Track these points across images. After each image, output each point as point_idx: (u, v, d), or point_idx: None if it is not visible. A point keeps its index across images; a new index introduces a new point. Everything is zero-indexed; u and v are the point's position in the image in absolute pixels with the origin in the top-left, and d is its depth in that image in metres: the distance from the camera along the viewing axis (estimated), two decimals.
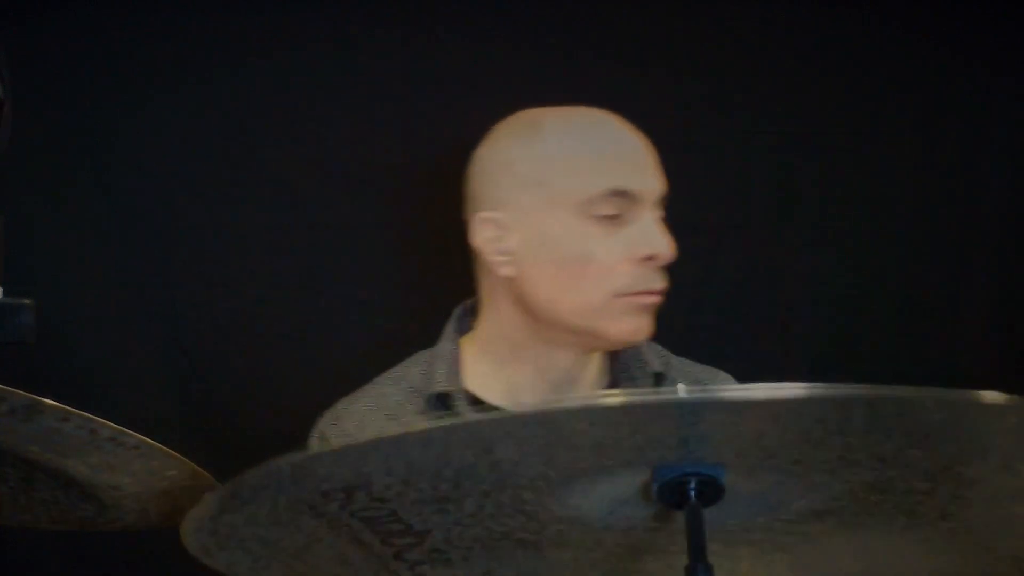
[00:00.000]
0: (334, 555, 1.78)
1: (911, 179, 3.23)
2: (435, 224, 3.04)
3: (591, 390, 2.51)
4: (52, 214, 2.91)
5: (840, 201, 3.21)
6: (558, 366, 2.48)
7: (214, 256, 3.00)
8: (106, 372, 2.92)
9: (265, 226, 3.01)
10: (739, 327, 3.12)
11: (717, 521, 1.73)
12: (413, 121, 3.04)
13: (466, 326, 2.55)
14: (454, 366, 2.48)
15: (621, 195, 2.40)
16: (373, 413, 2.48)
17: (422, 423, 1.68)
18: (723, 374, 2.63)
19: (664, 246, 2.41)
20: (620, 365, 2.52)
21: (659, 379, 2.52)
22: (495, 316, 2.49)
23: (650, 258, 2.41)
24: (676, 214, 2.52)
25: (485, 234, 2.46)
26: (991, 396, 1.55)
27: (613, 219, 2.40)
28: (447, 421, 1.65)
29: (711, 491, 1.70)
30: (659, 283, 2.43)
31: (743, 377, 2.66)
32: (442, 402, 2.47)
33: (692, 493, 1.69)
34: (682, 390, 1.84)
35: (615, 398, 1.58)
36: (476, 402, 2.47)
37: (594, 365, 2.52)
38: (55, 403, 1.67)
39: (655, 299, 2.43)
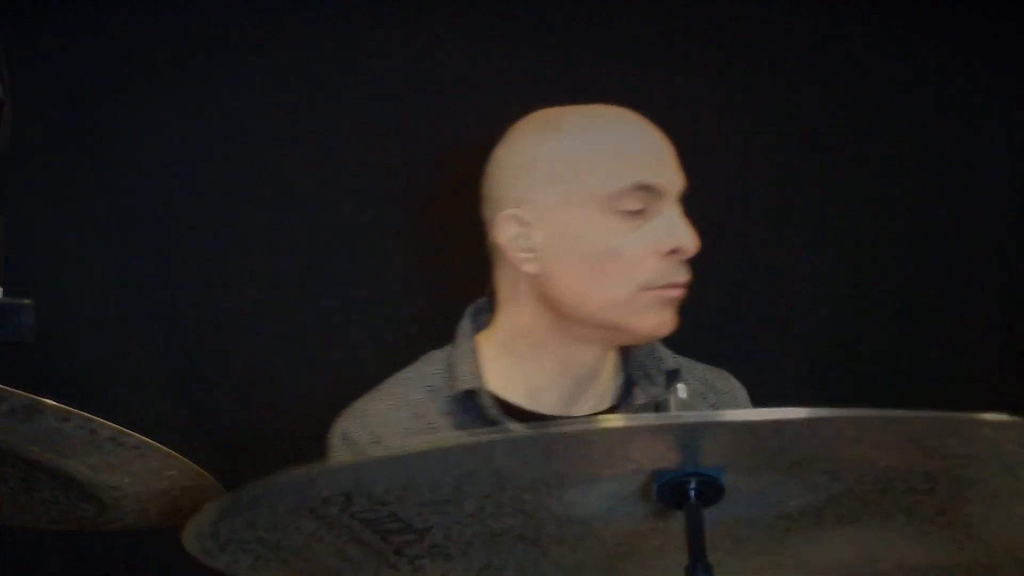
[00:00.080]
0: (334, 552, 1.78)
1: (911, 179, 3.23)
2: (435, 224, 3.05)
3: (608, 388, 2.51)
4: (52, 214, 2.91)
5: (840, 201, 3.21)
6: (581, 362, 2.48)
7: (214, 256, 3.00)
8: (106, 372, 2.92)
9: (265, 226, 3.01)
10: (739, 327, 3.12)
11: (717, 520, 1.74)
12: (413, 121, 3.04)
13: (481, 324, 2.55)
14: (476, 364, 2.47)
15: (645, 189, 2.41)
16: (397, 412, 2.47)
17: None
18: (725, 373, 2.63)
19: (689, 239, 2.42)
20: (635, 362, 2.53)
21: (673, 376, 2.53)
22: (516, 314, 2.49)
23: (675, 251, 2.42)
24: None
25: (508, 232, 2.46)
26: (994, 418, 1.56)
27: (637, 214, 2.41)
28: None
29: (711, 491, 1.70)
30: (683, 276, 2.44)
31: (743, 377, 2.66)
32: (470, 400, 2.45)
33: (692, 493, 1.69)
34: (681, 390, 1.85)
35: (616, 421, 1.59)
36: (497, 402, 2.47)
37: (611, 362, 2.52)
38: (55, 403, 1.67)
39: (680, 292, 2.44)
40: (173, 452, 1.79)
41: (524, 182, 2.46)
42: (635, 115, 2.49)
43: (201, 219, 2.99)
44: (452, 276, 3.04)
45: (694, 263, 2.47)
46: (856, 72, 3.20)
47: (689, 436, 1.63)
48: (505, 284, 2.51)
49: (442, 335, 2.77)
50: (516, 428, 1.64)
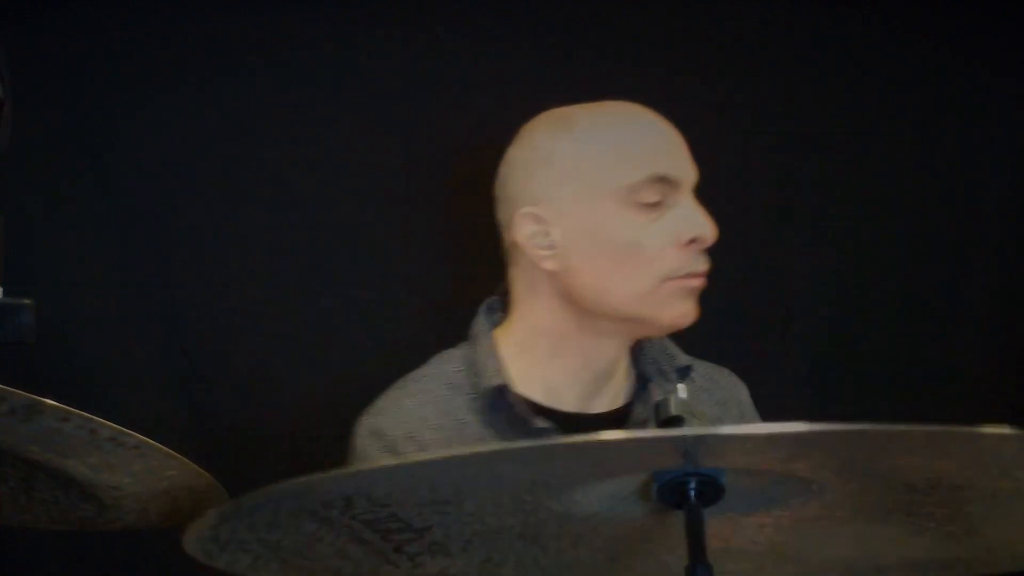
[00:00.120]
0: (334, 551, 1.78)
1: (911, 179, 3.23)
2: (436, 224, 3.05)
3: (622, 385, 2.51)
4: (52, 214, 2.91)
5: (840, 201, 3.21)
6: (601, 358, 2.48)
7: (214, 256, 3.00)
8: (106, 372, 2.91)
9: (265, 226, 3.01)
10: (739, 327, 3.12)
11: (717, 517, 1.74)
12: (413, 121, 3.04)
13: (495, 322, 2.55)
14: (499, 361, 2.47)
15: (662, 181, 2.42)
16: (424, 408, 2.46)
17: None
18: (727, 371, 2.63)
19: (707, 228, 2.43)
20: (647, 359, 2.53)
21: (685, 372, 2.53)
22: (534, 312, 2.49)
23: (694, 240, 2.42)
24: None
25: (526, 230, 2.46)
26: (993, 430, 1.56)
27: (655, 206, 2.42)
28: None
29: (711, 491, 1.70)
30: (703, 265, 2.44)
31: (743, 377, 2.66)
32: (498, 397, 2.45)
33: (692, 493, 1.69)
34: (681, 391, 1.85)
35: (618, 435, 1.60)
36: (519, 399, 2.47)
37: (625, 359, 2.53)
38: (55, 403, 1.67)
39: (701, 282, 2.44)
40: (173, 452, 1.79)
41: (540, 180, 2.46)
42: (646, 109, 2.50)
43: (201, 219, 2.99)
44: (452, 276, 3.04)
45: None
46: (856, 72, 3.20)
47: (690, 444, 1.63)
48: (522, 283, 2.50)
49: (442, 335, 2.77)
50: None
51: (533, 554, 1.84)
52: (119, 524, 1.94)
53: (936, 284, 3.23)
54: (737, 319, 3.13)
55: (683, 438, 1.65)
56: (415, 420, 2.45)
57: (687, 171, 2.46)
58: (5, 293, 1.78)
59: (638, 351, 2.54)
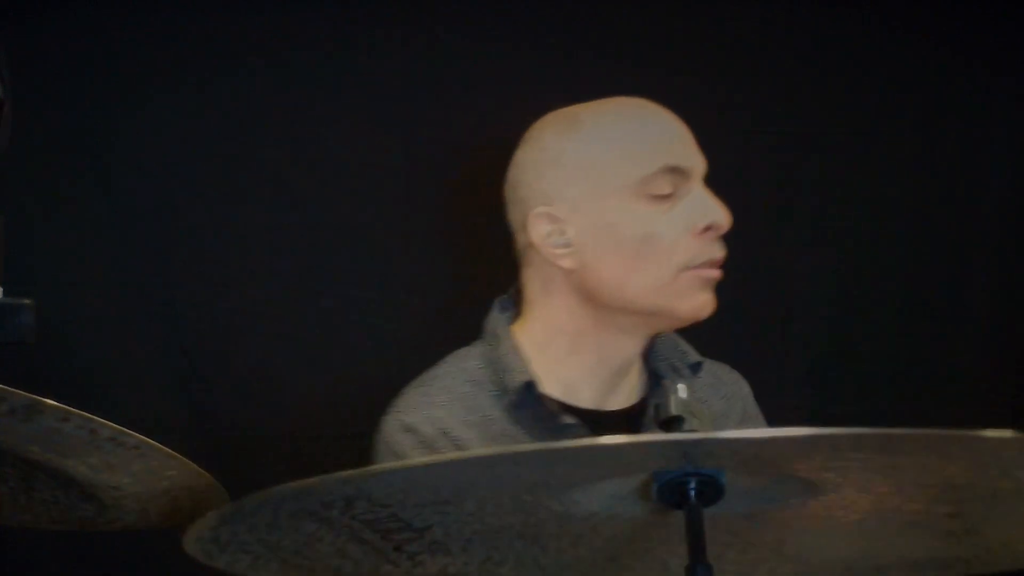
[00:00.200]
0: (334, 551, 1.78)
1: (911, 179, 3.23)
2: (436, 224, 3.05)
3: (636, 382, 2.51)
4: (52, 214, 2.90)
5: (840, 201, 3.21)
6: (619, 354, 2.48)
7: (214, 256, 3.00)
8: (106, 372, 2.91)
9: (265, 226, 3.00)
10: (739, 327, 3.12)
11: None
12: (413, 121, 3.04)
13: (510, 320, 2.54)
14: (523, 358, 2.46)
15: (675, 172, 2.43)
16: (452, 405, 2.45)
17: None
18: (728, 367, 2.63)
19: (722, 215, 2.43)
20: (659, 356, 2.53)
21: (696, 368, 2.54)
22: (551, 311, 2.48)
23: (710, 228, 2.43)
24: None
25: (541, 230, 2.46)
26: (995, 434, 1.56)
27: (667, 197, 2.42)
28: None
29: (711, 491, 1.70)
30: (720, 252, 2.45)
31: (743, 376, 2.66)
32: (526, 393, 2.44)
33: (692, 493, 1.69)
34: (681, 391, 1.85)
35: (619, 439, 1.60)
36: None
37: (639, 356, 2.53)
38: (55, 403, 1.66)
39: (718, 273, 2.45)
40: (173, 452, 1.79)
41: (551, 179, 2.46)
42: (650, 102, 2.50)
43: (201, 219, 2.99)
44: (452, 276, 3.04)
45: None
46: (856, 72, 3.20)
47: (690, 447, 1.63)
48: (536, 283, 2.50)
49: (442, 335, 2.77)
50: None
51: (533, 554, 1.84)
52: (119, 524, 1.94)
53: (936, 284, 3.23)
54: (737, 319, 3.13)
55: (682, 442, 1.65)
56: (446, 417, 2.43)
57: (697, 161, 2.46)
58: (5, 293, 1.78)
59: (650, 348, 2.54)
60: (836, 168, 3.20)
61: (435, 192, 3.03)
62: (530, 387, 2.43)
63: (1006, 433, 1.57)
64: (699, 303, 2.45)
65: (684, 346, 2.56)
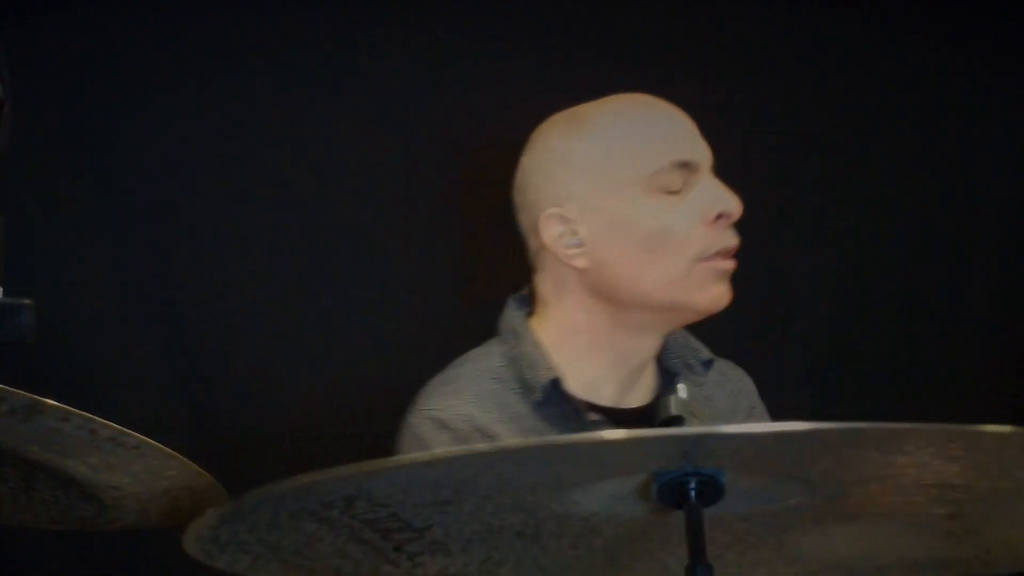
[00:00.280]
0: (334, 551, 1.78)
1: (911, 179, 3.23)
2: (435, 224, 3.05)
3: (651, 380, 2.50)
4: (52, 214, 2.91)
5: (840, 201, 3.21)
6: (637, 351, 2.47)
7: (214, 256, 3.00)
8: (106, 372, 2.91)
9: (265, 226, 3.01)
10: (739, 327, 3.12)
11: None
12: (413, 121, 3.04)
13: (526, 318, 2.53)
14: (548, 355, 2.46)
15: (684, 166, 2.43)
16: (482, 403, 2.43)
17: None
18: (733, 364, 2.63)
19: (732, 202, 2.44)
20: (672, 354, 2.52)
21: (709, 365, 2.55)
22: (566, 311, 2.47)
23: (721, 216, 2.43)
24: None
25: (553, 231, 2.45)
26: (995, 429, 1.56)
27: (678, 191, 2.42)
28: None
29: (711, 491, 1.70)
30: (733, 240, 2.45)
31: None
32: (553, 391, 2.43)
33: (692, 493, 1.69)
34: (681, 391, 1.85)
35: (620, 434, 1.60)
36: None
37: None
38: (55, 403, 1.66)
39: (732, 263, 2.45)
40: (173, 452, 1.79)
41: (560, 180, 2.45)
42: (652, 97, 2.50)
43: (201, 219, 2.99)
44: (452, 276, 3.04)
45: None
46: (856, 72, 3.20)
47: (691, 444, 1.63)
48: (551, 286, 2.49)
49: (442, 335, 2.78)
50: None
51: (533, 554, 1.84)
52: (119, 524, 1.94)
53: (936, 284, 3.23)
54: (737, 319, 3.13)
55: (684, 438, 1.65)
56: (478, 414, 2.42)
57: (704, 153, 2.47)
58: (5, 293, 1.78)
59: (662, 346, 2.53)
60: (836, 168, 3.20)
61: (435, 192, 3.03)
62: (556, 384, 2.43)
63: (1005, 428, 1.56)
64: (716, 294, 2.44)
65: (695, 343, 2.56)
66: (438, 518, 1.73)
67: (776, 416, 2.65)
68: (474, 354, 2.51)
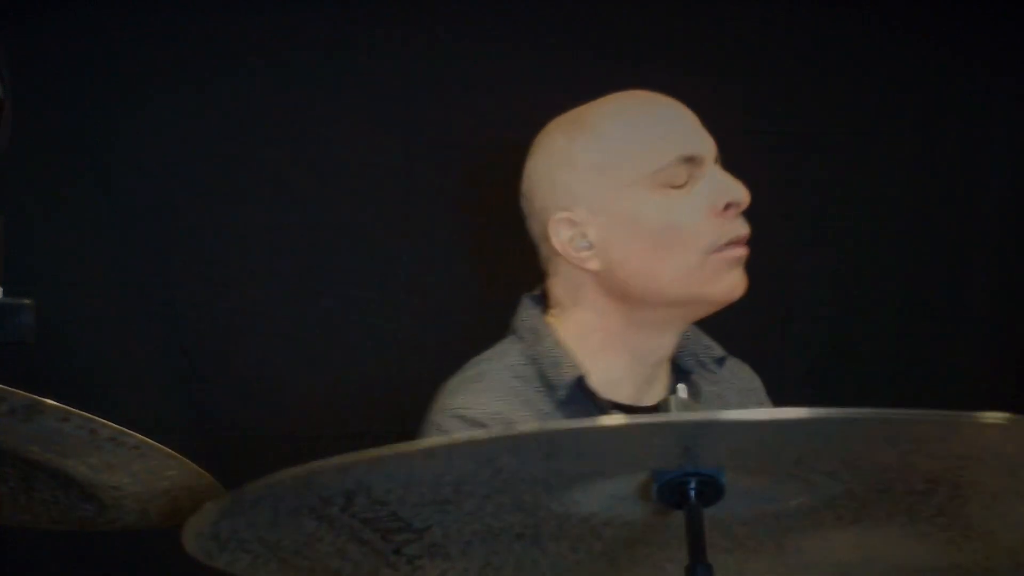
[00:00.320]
0: (334, 552, 1.78)
1: (911, 179, 3.23)
2: (435, 224, 3.05)
3: (666, 378, 2.50)
4: (52, 214, 2.91)
5: (840, 201, 3.21)
6: (655, 349, 2.47)
7: (214, 256, 3.00)
8: (106, 372, 2.92)
9: (265, 226, 3.01)
10: (739, 327, 3.12)
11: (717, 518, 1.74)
12: (413, 121, 3.04)
13: (544, 316, 2.52)
14: (571, 353, 2.45)
15: (689, 160, 2.42)
16: (510, 401, 2.42)
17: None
18: (740, 361, 2.63)
19: (740, 191, 2.43)
20: (685, 352, 2.52)
21: (722, 362, 2.55)
22: (582, 313, 2.47)
23: (730, 205, 2.42)
24: None
25: (563, 236, 2.45)
26: (993, 417, 1.56)
27: (684, 184, 2.42)
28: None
29: (711, 491, 1.70)
30: (744, 229, 2.44)
31: None
32: (577, 388, 2.43)
33: (692, 493, 1.69)
34: (681, 391, 1.85)
35: (617, 419, 1.59)
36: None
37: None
38: (55, 403, 1.66)
39: (744, 250, 2.44)
40: (173, 452, 1.79)
41: (565, 184, 2.45)
42: (651, 93, 2.50)
43: (201, 219, 2.99)
44: (452, 276, 3.04)
45: None
46: (856, 72, 3.21)
47: (690, 438, 1.63)
48: (565, 290, 2.48)
49: (442, 334, 2.78)
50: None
51: (532, 557, 1.84)
52: (119, 524, 1.94)
53: (936, 284, 3.23)
54: (737, 319, 3.13)
55: (684, 424, 1.64)
56: (507, 411, 2.40)
57: (707, 145, 2.46)
58: (5, 293, 1.78)
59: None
60: (836, 168, 3.20)
61: (435, 192, 3.04)
62: (580, 382, 2.42)
63: (999, 416, 1.56)
64: (730, 284, 2.44)
65: (708, 341, 2.56)
66: (438, 518, 1.73)
67: None
68: (493, 353, 2.50)
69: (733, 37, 3.15)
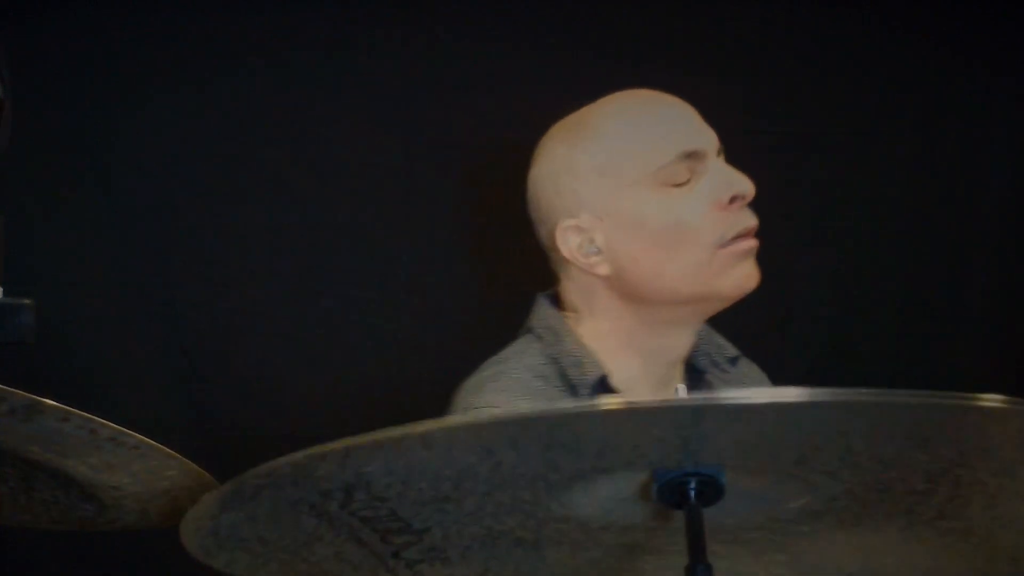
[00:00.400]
0: (333, 553, 1.78)
1: (911, 179, 3.23)
2: (435, 224, 3.05)
3: (681, 377, 2.49)
4: (52, 214, 2.91)
5: (840, 201, 3.21)
6: (671, 348, 2.46)
7: (214, 256, 3.00)
8: (106, 372, 2.92)
9: (265, 226, 3.01)
10: (738, 327, 3.12)
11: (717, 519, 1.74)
12: (413, 121, 3.04)
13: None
14: (592, 352, 2.44)
15: (691, 157, 2.41)
16: (534, 400, 2.41)
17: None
18: (749, 360, 2.63)
19: (744, 184, 2.42)
20: (699, 351, 2.51)
21: (735, 362, 2.54)
22: (597, 316, 2.46)
23: (735, 198, 2.41)
24: None
25: (571, 242, 2.44)
26: (991, 400, 1.55)
27: (687, 182, 2.41)
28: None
29: (711, 491, 1.70)
30: (752, 220, 2.43)
31: None
32: (599, 388, 2.41)
33: (692, 493, 1.69)
34: (681, 391, 1.85)
35: (616, 401, 1.58)
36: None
37: None
38: (55, 403, 1.67)
39: (754, 242, 2.43)
40: (173, 452, 1.79)
41: (570, 190, 2.44)
42: (651, 91, 2.49)
43: (201, 219, 2.99)
44: (452, 276, 3.04)
45: None
46: (856, 72, 3.21)
47: (689, 424, 1.62)
48: (578, 295, 2.47)
49: (442, 334, 2.77)
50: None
51: (532, 561, 1.83)
52: (119, 524, 1.94)
53: (936, 284, 3.23)
54: (737, 319, 3.13)
55: (684, 407, 1.63)
56: (529, 397, 2.40)
57: (709, 139, 2.45)
58: (5, 293, 1.78)
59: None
60: (836, 168, 3.20)
61: (435, 192, 3.03)
62: (603, 381, 2.42)
63: (996, 399, 1.55)
64: (741, 277, 2.43)
65: (721, 340, 2.55)
66: (437, 518, 1.73)
67: None
68: (510, 352, 2.48)
69: (733, 37, 3.15)
